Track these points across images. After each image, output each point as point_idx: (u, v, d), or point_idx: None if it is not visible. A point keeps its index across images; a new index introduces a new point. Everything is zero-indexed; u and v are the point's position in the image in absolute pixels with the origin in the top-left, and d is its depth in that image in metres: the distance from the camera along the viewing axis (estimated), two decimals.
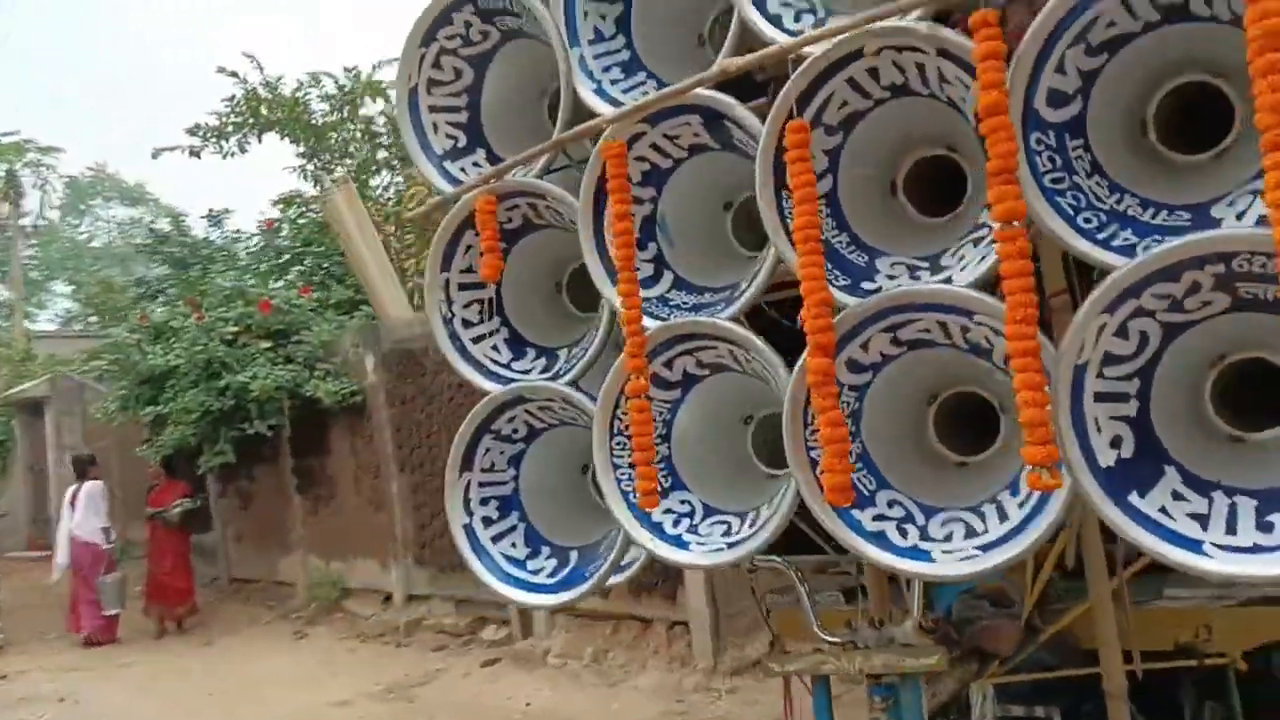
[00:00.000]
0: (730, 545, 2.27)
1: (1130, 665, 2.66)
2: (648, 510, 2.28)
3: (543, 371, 2.71)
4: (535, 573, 2.68)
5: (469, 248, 2.76)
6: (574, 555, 2.68)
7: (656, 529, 2.37)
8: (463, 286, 2.81)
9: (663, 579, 6.76)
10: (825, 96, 2.11)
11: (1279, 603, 2.57)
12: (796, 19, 2.21)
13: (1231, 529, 1.72)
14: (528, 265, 2.83)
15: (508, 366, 2.76)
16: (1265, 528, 1.70)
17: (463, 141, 2.85)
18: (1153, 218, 1.86)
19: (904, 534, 2.05)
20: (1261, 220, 1.67)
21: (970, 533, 2.00)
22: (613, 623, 7.35)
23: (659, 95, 2.24)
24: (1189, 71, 1.97)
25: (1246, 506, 1.75)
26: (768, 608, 3.34)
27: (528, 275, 2.85)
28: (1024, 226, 1.76)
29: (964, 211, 2.28)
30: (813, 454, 2.11)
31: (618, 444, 2.44)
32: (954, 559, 1.97)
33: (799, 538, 2.44)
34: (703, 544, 2.32)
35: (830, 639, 2.45)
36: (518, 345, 2.82)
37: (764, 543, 2.19)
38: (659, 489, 2.41)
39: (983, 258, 1.96)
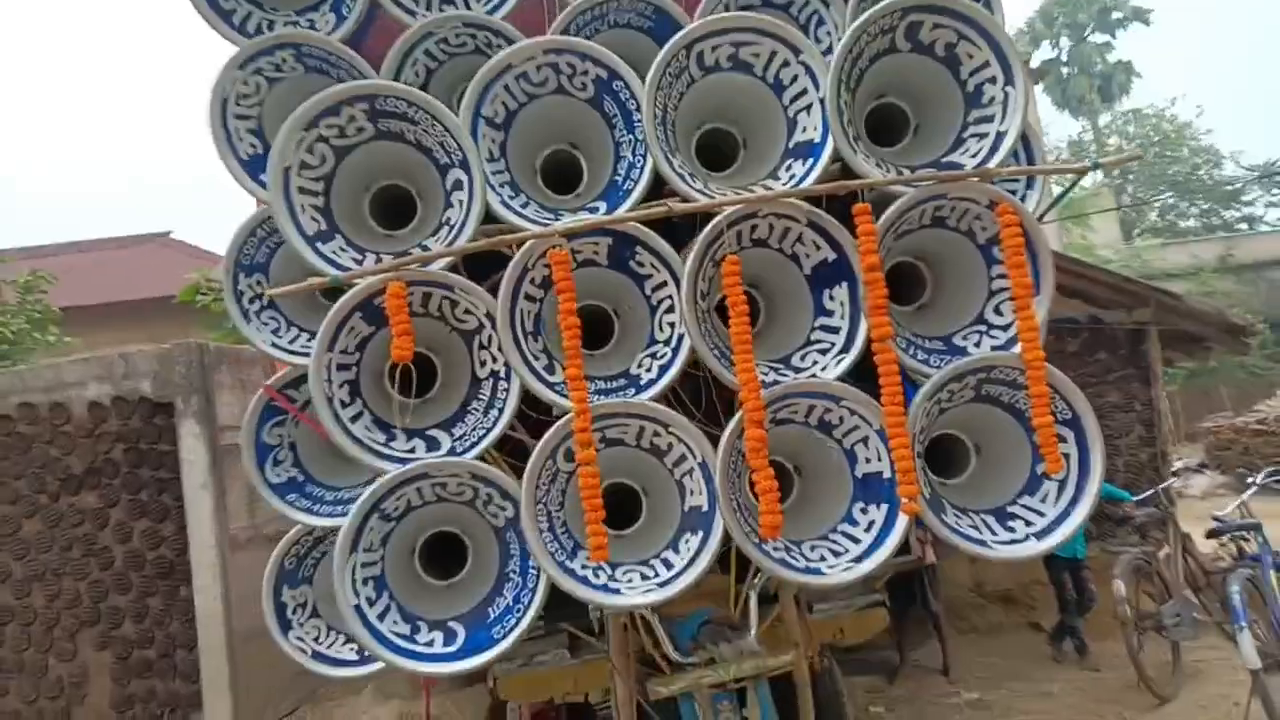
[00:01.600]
0: (662, 585, 2.75)
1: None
2: (598, 562, 2.65)
3: (427, 450, 2.84)
4: (429, 644, 2.75)
5: (351, 329, 2.80)
6: (457, 626, 2.82)
7: (583, 582, 2.74)
8: (340, 367, 2.81)
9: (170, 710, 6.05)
10: (723, 240, 2.88)
11: (881, 605, 3.87)
12: (694, 178, 2.95)
13: (993, 531, 2.88)
14: (380, 354, 2.94)
15: (387, 445, 2.83)
16: (1009, 529, 2.88)
17: (323, 225, 2.88)
18: (923, 343, 3.01)
19: (795, 559, 2.81)
20: (996, 347, 2.92)
21: (838, 553, 2.85)
22: None
23: (618, 216, 2.78)
24: (902, 254, 3.22)
25: (989, 518, 2.93)
26: (494, 675, 3.68)
27: (380, 363, 2.96)
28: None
29: (761, 330, 3.21)
30: (733, 502, 2.77)
31: (539, 510, 2.76)
32: (839, 570, 2.79)
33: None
34: (633, 587, 2.75)
35: (692, 660, 3.04)
36: (384, 427, 2.89)
37: (697, 578, 2.73)
38: (567, 549, 2.80)
39: (839, 361, 2.90)
